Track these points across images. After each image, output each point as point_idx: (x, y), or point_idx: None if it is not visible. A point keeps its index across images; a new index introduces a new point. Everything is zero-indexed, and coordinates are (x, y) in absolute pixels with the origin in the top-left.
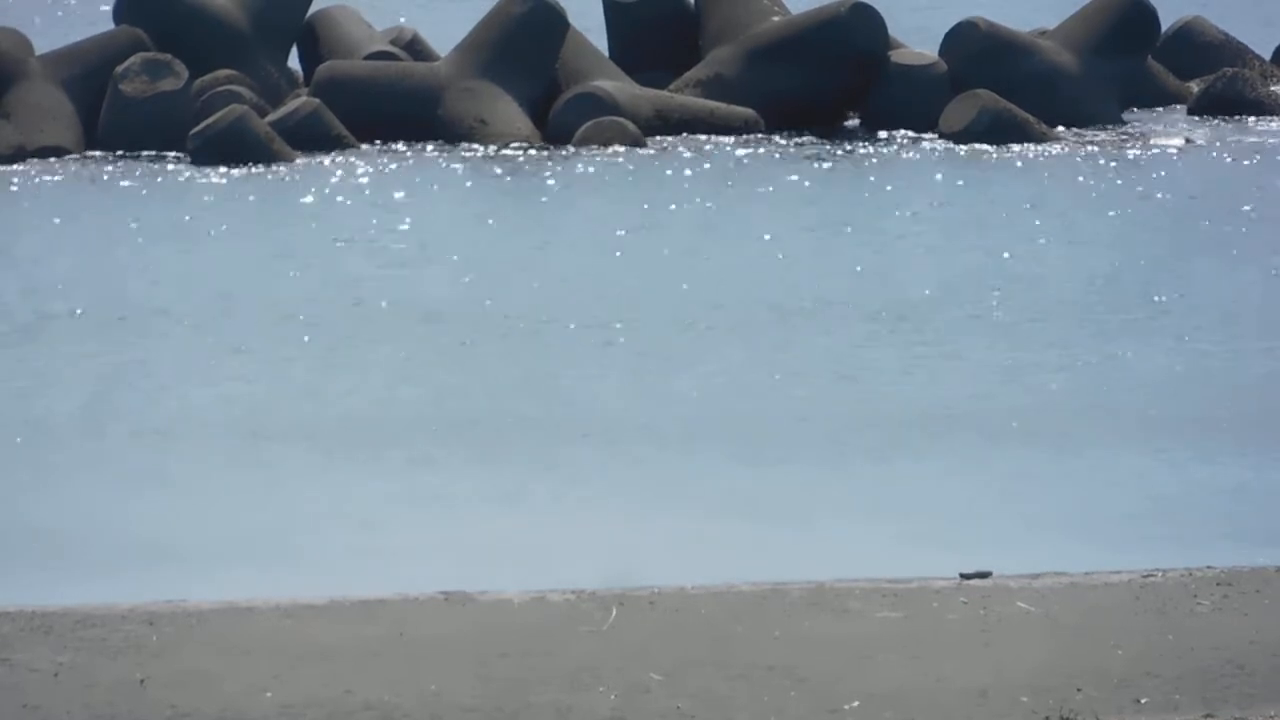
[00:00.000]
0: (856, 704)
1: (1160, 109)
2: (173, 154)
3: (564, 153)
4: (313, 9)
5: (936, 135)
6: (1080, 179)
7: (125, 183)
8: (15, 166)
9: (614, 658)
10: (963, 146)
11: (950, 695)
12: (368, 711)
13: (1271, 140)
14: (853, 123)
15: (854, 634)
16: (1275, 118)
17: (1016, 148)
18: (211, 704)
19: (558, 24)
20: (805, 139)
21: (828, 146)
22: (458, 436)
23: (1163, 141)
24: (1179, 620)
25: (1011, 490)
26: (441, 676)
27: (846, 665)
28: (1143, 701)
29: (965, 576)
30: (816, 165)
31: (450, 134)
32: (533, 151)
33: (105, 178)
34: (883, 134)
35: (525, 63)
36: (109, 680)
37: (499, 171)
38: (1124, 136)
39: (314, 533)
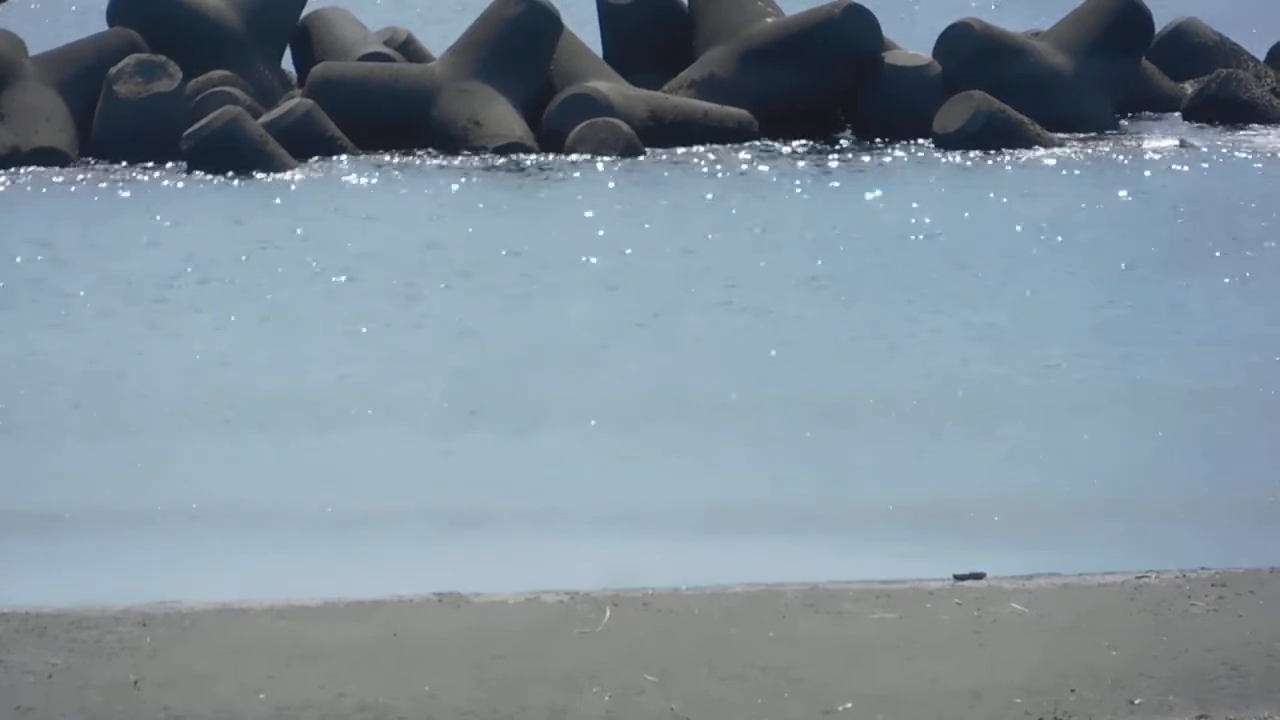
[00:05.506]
0: (850, 705)
1: (1154, 110)
2: (166, 155)
3: (566, 167)
4: (306, 10)
5: (930, 137)
6: (1076, 184)
7: (120, 188)
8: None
9: (608, 659)
10: (957, 154)
11: (944, 696)
12: (362, 713)
13: (1264, 140)
14: (846, 125)
15: (848, 635)
16: (1269, 120)
17: (1009, 154)
18: (205, 705)
19: (551, 25)
20: (799, 145)
21: (820, 154)
22: (453, 437)
23: (1157, 143)
24: (1173, 621)
25: (1007, 490)
26: (436, 678)
27: (841, 666)
28: (1137, 702)
29: (959, 578)
30: (812, 175)
31: (444, 135)
32: (531, 159)
33: (100, 185)
34: (877, 137)
35: (519, 64)
36: (103, 682)
37: (497, 181)
38: (1118, 138)
39: (310, 532)
